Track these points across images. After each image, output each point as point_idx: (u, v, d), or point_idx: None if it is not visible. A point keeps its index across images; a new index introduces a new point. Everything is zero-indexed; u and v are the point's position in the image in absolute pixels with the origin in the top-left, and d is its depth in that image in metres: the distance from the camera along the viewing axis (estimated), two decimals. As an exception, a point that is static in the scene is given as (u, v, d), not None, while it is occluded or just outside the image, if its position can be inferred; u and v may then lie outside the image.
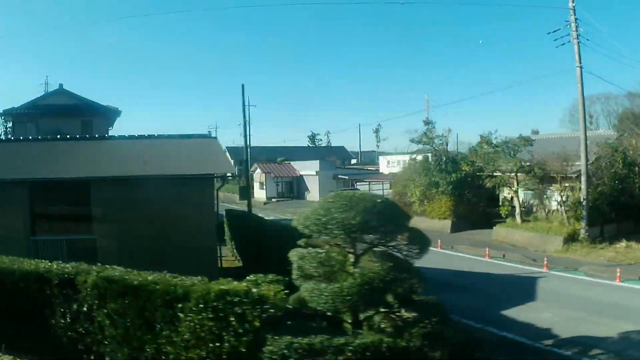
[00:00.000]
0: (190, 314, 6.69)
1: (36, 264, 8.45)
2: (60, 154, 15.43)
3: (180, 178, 13.78)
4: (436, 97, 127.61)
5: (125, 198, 13.70)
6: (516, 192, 24.25)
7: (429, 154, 26.09)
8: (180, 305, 6.83)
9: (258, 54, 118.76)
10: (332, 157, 55.88)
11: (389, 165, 32.88)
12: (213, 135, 30.70)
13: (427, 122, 26.57)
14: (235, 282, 6.94)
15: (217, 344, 6.55)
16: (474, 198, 26.13)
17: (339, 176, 37.78)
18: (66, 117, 28.04)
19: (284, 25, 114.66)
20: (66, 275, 7.97)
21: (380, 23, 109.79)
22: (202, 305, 6.58)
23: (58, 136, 17.87)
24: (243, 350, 6.42)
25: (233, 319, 6.45)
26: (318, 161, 39.35)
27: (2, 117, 28.60)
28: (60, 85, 29.07)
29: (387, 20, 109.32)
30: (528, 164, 23.65)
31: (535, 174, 23.21)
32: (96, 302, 7.67)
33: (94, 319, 7.73)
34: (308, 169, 39.67)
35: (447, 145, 26.27)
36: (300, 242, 8.35)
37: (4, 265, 8.48)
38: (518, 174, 24.08)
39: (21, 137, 17.31)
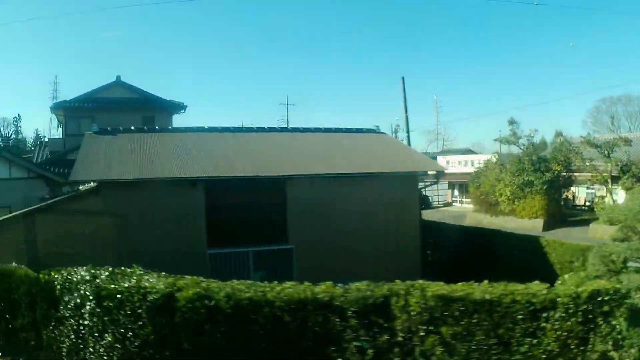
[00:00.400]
0: (558, 322, 5.99)
1: (300, 289, 6.21)
2: (236, 147, 13.68)
3: (384, 176, 12.45)
4: (446, 97, 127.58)
5: (324, 199, 12.19)
6: (610, 191, 24.24)
7: (520, 154, 25.67)
8: (545, 314, 6.04)
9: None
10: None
11: (448, 165, 32.24)
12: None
13: (512, 122, 26.17)
14: (602, 282, 6.69)
15: (582, 348, 6.06)
16: (559, 197, 26.02)
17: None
18: (125, 111, 25.68)
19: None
20: (373, 300, 6.14)
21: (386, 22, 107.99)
22: (571, 310, 5.99)
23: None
24: (609, 348, 6.06)
25: (600, 319, 6.07)
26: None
27: (54, 112, 25.78)
28: (118, 77, 26.61)
29: (392, 21, 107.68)
30: (625, 163, 23.69)
31: (634, 173, 23.25)
32: (423, 327, 6.13)
33: (414, 349, 6.13)
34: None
35: (532, 145, 25.98)
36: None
37: (248, 293, 6.03)
38: (612, 174, 24.11)
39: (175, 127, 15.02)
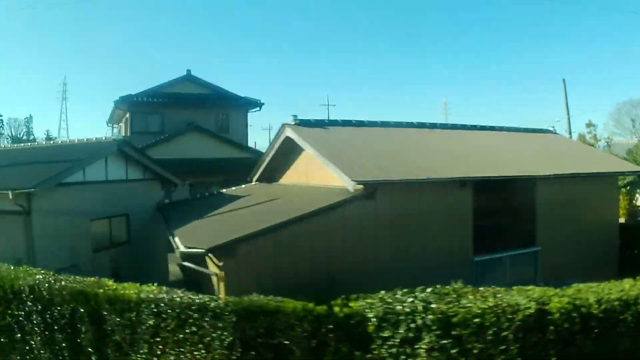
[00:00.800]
0: None
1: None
2: (440, 144, 12.57)
3: (604, 176, 12.38)
4: (455, 98, 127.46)
5: (569, 199, 11.62)
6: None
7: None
8: None
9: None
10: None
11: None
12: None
13: (590, 125, 26.54)
14: None
15: None
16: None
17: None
18: (197, 107, 23.70)
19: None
20: None
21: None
22: None
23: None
24: None
25: None
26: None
27: (117, 107, 23.16)
28: (188, 71, 24.33)
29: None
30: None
31: None
32: None
33: None
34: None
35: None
36: None
37: (613, 295, 5.55)
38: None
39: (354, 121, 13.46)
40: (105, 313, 6.31)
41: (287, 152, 12.48)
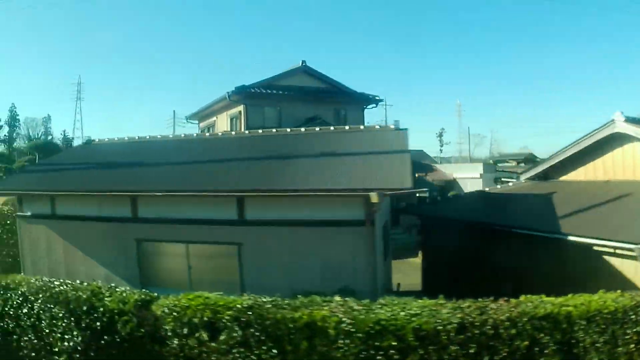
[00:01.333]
0: None
1: None
2: None
3: None
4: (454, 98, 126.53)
5: None
6: None
7: None
8: None
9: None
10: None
11: None
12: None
13: None
14: None
15: None
16: None
17: (502, 179, 35.49)
18: (316, 102, 21.84)
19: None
20: None
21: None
22: None
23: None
24: None
25: None
26: (481, 164, 37.06)
27: (230, 99, 21.07)
28: (303, 62, 22.49)
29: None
30: None
31: None
32: None
33: None
34: (465, 171, 37.26)
35: None
36: None
37: None
38: None
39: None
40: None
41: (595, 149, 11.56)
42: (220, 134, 14.75)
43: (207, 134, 15.89)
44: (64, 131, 66.77)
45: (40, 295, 6.67)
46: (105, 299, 6.31)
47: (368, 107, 23.34)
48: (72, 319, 6.23)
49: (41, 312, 6.54)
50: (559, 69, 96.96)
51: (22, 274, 9.37)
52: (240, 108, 21.50)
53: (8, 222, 12.84)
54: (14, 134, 63.08)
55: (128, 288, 6.79)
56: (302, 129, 14.29)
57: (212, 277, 8.81)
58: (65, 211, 10.43)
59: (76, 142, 79.75)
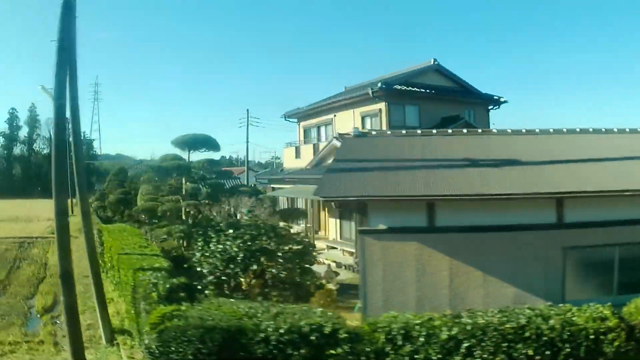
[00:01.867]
0: None
1: None
2: None
3: None
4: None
5: None
6: None
7: None
8: None
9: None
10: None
11: None
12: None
13: None
14: None
15: None
16: None
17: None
18: (450, 102, 22.20)
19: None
20: None
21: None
22: None
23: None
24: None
25: None
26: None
27: (374, 94, 21.05)
28: (435, 60, 22.82)
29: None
30: None
31: None
32: None
33: None
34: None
35: None
36: None
37: None
38: None
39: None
40: None
41: None
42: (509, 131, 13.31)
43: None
44: (84, 133, 64.61)
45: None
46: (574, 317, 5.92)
47: (492, 108, 23.85)
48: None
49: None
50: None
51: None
52: (380, 106, 21.37)
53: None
54: (34, 135, 60.64)
55: (549, 304, 6.43)
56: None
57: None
58: (451, 221, 8.83)
59: (96, 144, 76.84)
